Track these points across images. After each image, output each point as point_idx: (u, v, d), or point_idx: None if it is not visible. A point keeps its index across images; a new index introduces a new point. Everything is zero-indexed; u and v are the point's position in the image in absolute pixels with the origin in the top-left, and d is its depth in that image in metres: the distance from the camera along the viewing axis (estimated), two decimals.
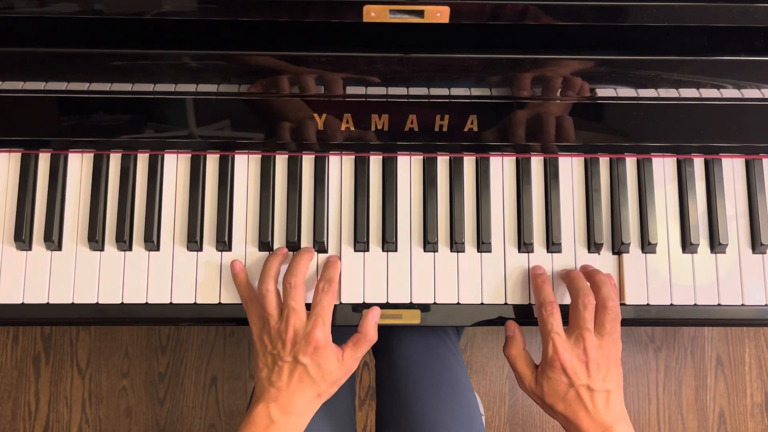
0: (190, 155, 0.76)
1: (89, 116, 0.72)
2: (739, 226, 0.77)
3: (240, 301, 0.74)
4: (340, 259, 0.75)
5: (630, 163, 0.77)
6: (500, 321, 0.75)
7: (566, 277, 0.73)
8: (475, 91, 0.70)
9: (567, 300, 0.73)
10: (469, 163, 0.77)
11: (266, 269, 0.71)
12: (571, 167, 0.77)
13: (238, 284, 0.73)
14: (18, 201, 0.75)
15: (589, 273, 0.72)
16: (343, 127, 0.72)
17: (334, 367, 0.69)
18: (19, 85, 0.69)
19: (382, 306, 0.74)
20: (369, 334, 0.71)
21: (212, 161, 0.76)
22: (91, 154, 0.76)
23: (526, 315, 0.75)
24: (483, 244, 0.75)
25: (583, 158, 0.77)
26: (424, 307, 0.74)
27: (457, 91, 0.70)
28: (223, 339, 1.43)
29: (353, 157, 0.77)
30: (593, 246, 0.75)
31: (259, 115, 0.72)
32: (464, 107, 0.71)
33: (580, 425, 0.66)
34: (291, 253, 0.75)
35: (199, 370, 1.43)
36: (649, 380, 1.46)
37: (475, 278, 0.75)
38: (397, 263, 0.75)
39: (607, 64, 0.69)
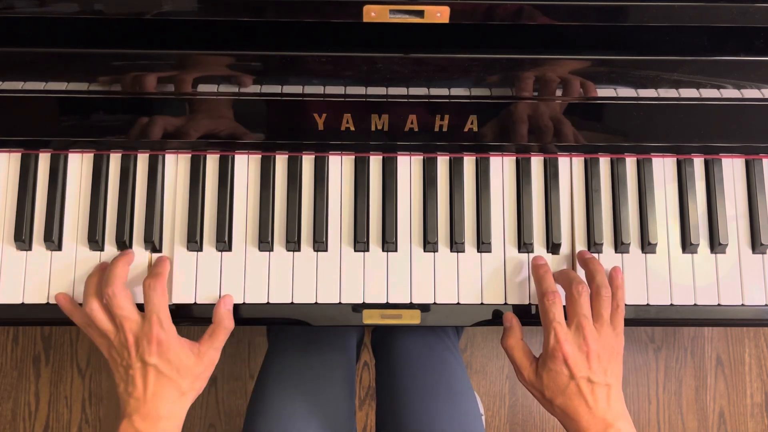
0: (190, 155, 0.76)
1: (89, 116, 0.72)
2: (739, 226, 0.77)
3: (240, 301, 0.74)
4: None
5: (630, 163, 0.77)
6: (500, 321, 0.75)
7: (559, 275, 0.72)
8: (475, 91, 0.70)
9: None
10: (469, 163, 0.77)
11: (85, 289, 0.70)
12: (571, 167, 0.77)
13: (68, 314, 0.71)
14: (18, 201, 0.75)
15: (585, 261, 0.72)
16: (343, 127, 0.72)
17: (189, 361, 0.67)
18: (19, 85, 0.69)
19: (383, 306, 0.74)
20: (223, 321, 0.70)
21: (212, 161, 0.76)
22: (91, 154, 0.76)
23: (525, 315, 0.75)
24: (483, 244, 0.75)
25: (583, 158, 0.77)
26: (424, 307, 0.74)
27: (457, 91, 0.70)
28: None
29: (353, 157, 0.77)
30: (593, 246, 0.75)
31: (259, 115, 0.72)
32: (464, 107, 0.71)
33: (579, 420, 0.65)
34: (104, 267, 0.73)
35: None
36: (649, 380, 1.46)
37: (475, 278, 0.75)
38: (397, 263, 0.75)
39: (607, 64, 0.69)
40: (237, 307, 0.74)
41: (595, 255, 0.76)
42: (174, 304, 0.74)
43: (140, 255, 0.75)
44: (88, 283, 0.70)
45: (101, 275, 0.71)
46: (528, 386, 0.70)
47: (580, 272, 0.74)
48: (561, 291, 0.72)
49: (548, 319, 0.68)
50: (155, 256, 0.75)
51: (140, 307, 0.69)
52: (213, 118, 0.72)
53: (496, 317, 0.75)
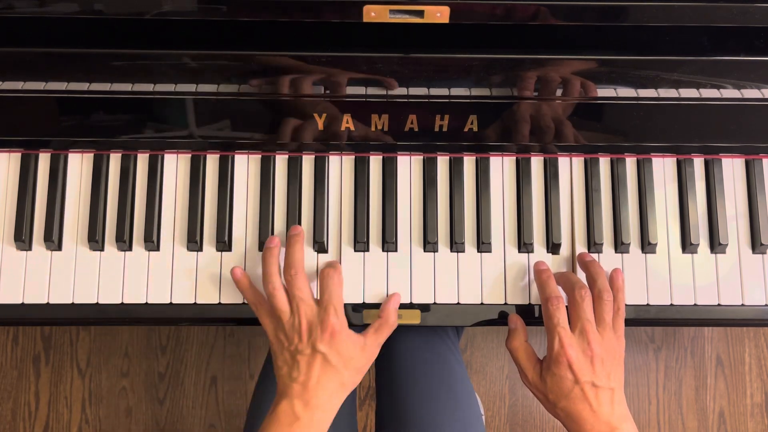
0: (190, 155, 0.76)
1: (89, 116, 0.72)
2: (739, 226, 0.77)
3: (240, 301, 0.74)
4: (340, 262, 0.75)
5: (630, 163, 0.77)
6: (500, 321, 0.75)
7: (560, 278, 0.72)
8: (475, 91, 0.70)
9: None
10: (469, 163, 0.77)
11: (267, 268, 0.70)
12: (571, 167, 0.77)
13: (242, 290, 0.72)
14: (18, 201, 0.75)
15: (586, 264, 0.72)
16: (343, 127, 0.72)
17: (355, 352, 0.68)
18: (19, 85, 0.69)
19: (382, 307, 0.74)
20: (390, 318, 0.71)
21: (212, 161, 0.76)
22: (91, 154, 0.76)
23: (526, 315, 0.75)
24: (483, 244, 0.75)
25: (583, 158, 0.77)
26: (424, 307, 0.74)
27: (457, 91, 0.70)
28: (223, 339, 1.43)
29: (353, 157, 0.77)
30: (593, 246, 0.75)
31: (259, 115, 0.72)
32: (464, 107, 0.71)
33: (583, 424, 0.65)
34: (281, 245, 0.74)
35: (199, 370, 1.43)
36: (649, 380, 1.46)
37: (475, 278, 0.75)
38: (397, 263, 0.75)
39: (607, 64, 0.69)
40: (237, 308, 0.74)
41: (595, 255, 0.76)
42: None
43: (141, 254, 0.75)
44: (270, 262, 0.70)
45: (278, 254, 0.71)
46: (531, 388, 0.70)
47: (581, 274, 0.74)
48: (562, 293, 0.72)
49: (552, 323, 0.68)
50: (226, 256, 0.75)
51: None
52: (212, 118, 0.72)
53: (496, 317, 0.75)
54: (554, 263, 0.75)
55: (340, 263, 0.75)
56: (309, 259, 0.75)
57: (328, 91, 0.70)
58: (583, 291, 0.68)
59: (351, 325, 0.74)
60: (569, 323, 0.69)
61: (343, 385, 0.68)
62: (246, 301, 0.72)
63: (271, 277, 0.69)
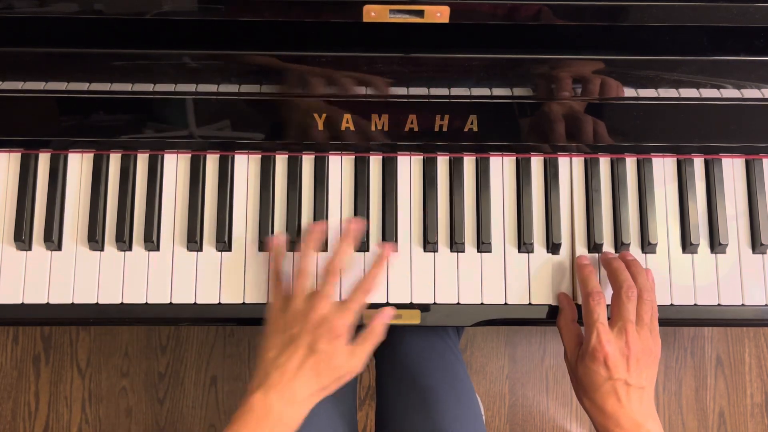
0: (190, 155, 0.76)
1: (89, 116, 0.72)
2: (739, 226, 0.77)
3: (240, 302, 0.73)
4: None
5: (630, 163, 0.77)
6: (500, 321, 0.75)
7: (609, 267, 0.72)
8: (475, 91, 0.70)
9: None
10: (469, 163, 0.77)
11: (308, 238, 0.70)
12: (571, 167, 0.77)
13: (276, 254, 0.72)
14: (18, 201, 0.75)
15: (628, 263, 0.72)
16: (343, 127, 0.72)
17: (342, 360, 0.67)
18: (19, 85, 0.69)
19: (382, 306, 0.74)
20: (378, 330, 0.70)
21: (212, 161, 0.76)
22: (91, 154, 0.76)
23: (526, 315, 0.75)
24: (483, 244, 0.75)
25: (583, 158, 0.77)
26: (424, 307, 0.74)
27: (457, 91, 0.70)
28: (223, 339, 1.43)
29: (353, 157, 0.77)
30: (593, 246, 0.75)
31: (259, 115, 0.72)
32: (464, 107, 0.71)
33: (609, 416, 0.65)
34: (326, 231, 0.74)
35: (199, 370, 1.43)
36: None
37: (475, 278, 0.75)
38: (398, 263, 0.75)
39: (608, 64, 0.69)
40: (237, 308, 0.74)
41: (595, 255, 0.75)
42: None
43: (141, 254, 0.75)
44: (314, 236, 0.71)
45: (322, 235, 0.72)
46: (569, 368, 0.71)
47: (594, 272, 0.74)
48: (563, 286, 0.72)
49: (592, 319, 0.68)
50: (226, 256, 0.75)
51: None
52: (212, 118, 0.72)
53: (496, 317, 0.75)
54: (555, 263, 0.75)
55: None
56: (310, 258, 0.75)
57: (327, 91, 0.70)
58: (631, 291, 0.68)
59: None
60: (611, 317, 0.69)
61: (323, 389, 0.67)
62: (270, 270, 0.72)
63: (309, 259, 0.69)
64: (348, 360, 0.67)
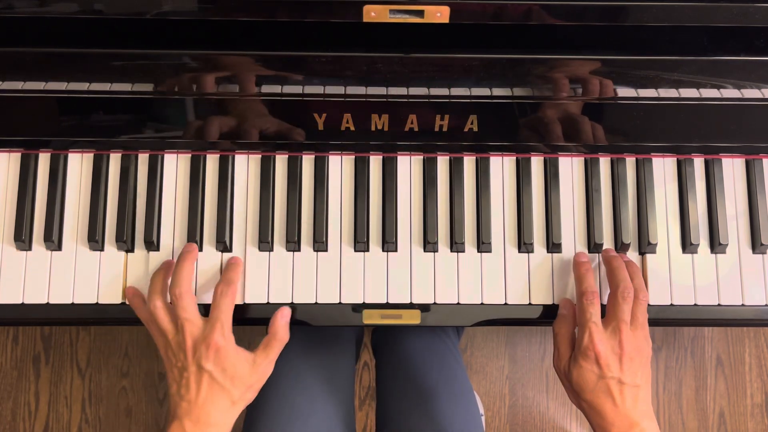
0: (190, 155, 0.76)
1: (89, 116, 0.72)
2: (739, 226, 0.77)
3: (240, 302, 0.74)
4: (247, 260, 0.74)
5: (630, 163, 0.77)
6: (500, 321, 0.75)
7: (608, 265, 0.72)
8: (475, 91, 0.70)
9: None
10: (469, 163, 0.77)
11: (151, 286, 0.70)
12: (571, 167, 0.77)
13: (135, 309, 0.72)
14: (18, 201, 0.75)
15: (625, 263, 0.72)
16: (343, 127, 0.72)
17: (243, 371, 0.67)
18: (19, 85, 0.69)
19: (382, 306, 0.74)
20: (278, 333, 0.70)
21: (212, 161, 0.76)
22: (91, 154, 0.76)
23: (526, 315, 0.75)
24: (483, 244, 0.75)
25: (583, 158, 0.77)
26: (424, 307, 0.74)
27: (457, 91, 0.70)
28: None
29: (353, 157, 0.77)
30: (593, 246, 0.75)
31: (259, 115, 0.72)
32: (464, 107, 0.71)
33: (605, 416, 0.65)
34: (171, 265, 0.73)
35: None
36: None
37: (475, 278, 0.75)
38: (397, 263, 0.75)
39: (607, 64, 0.69)
40: (237, 308, 0.74)
41: (595, 255, 0.75)
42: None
43: (141, 254, 0.75)
44: (155, 281, 0.70)
45: (167, 273, 0.71)
46: (560, 375, 0.71)
47: (593, 270, 0.73)
48: (563, 284, 0.72)
49: (585, 318, 0.68)
50: (226, 256, 0.75)
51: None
52: (212, 119, 0.72)
53: (496, 317, 0.75)
54: (554, 263, 0.75)
55: (341, 263, 0.75)
56: (309, 258, 0.75)
57: (328, 92, 0.70)
58: (627, 292, 0.68)
59: (351, 325, 0.74)
60: (605, 316, 0.69)
61: (234, 403, 0.67)
62: (141, 319, 0.71)
63: (154, 294, 0.69)
64: (251, 369, 0.68)
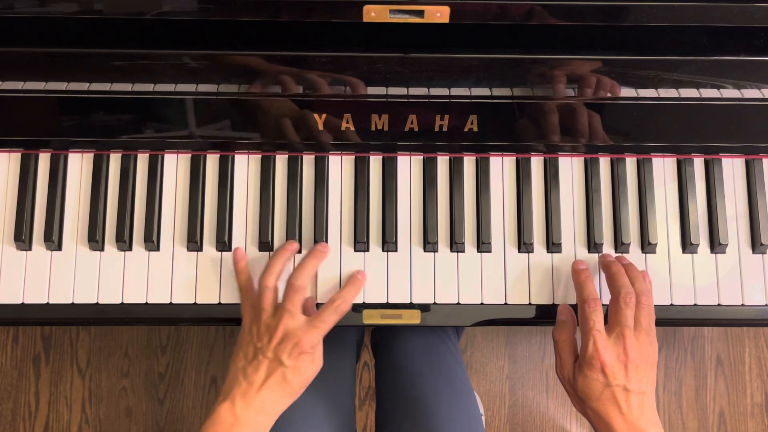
0: (190, 155, 0.76)
1: (89, 116, 0.72)
2: (739, 226, 0.77)
3: (239, 301, 0.74)
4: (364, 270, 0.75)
5: (630, 163, 0.77)
6: (500, 321, 0.75)
7: (607, 271, 0.71)
8: (475, 91, 0.70)
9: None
10: (469, 163, 0.77)
11: (271, 264, 0.71)
12: (571, 167, 0.77)
13: (238, 272, 0.73)
14: (18, 201, 0.75)
15: (625, 267, 0.72)
16: (343, 127, 0.72)
17: (310, 371, 0.68)
18: (19, 85, 0.69)
19: (383, 306, 0.74)
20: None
21: (212, 161, 0.76)
22: (91, 154, 0.76)
23: (527, 315, 0.75)
24: (483, 244, 0.75)
25: (583, 158, 0.77)
26: (424, 307, 0.74)
27: (457, 91, 0.70)
28: (223, 339, 1.43)
29: (353, 157, 0.77)
30: (593, 246, 0.75)
31: (259, 115, 0.72)
32: (464, 107, 0.71)
33: (611, 424, 0.65)
34: (297, 252, 0.74)
35: (199, 370, 1.43)
36: None
37: (475, 278, 0.75)
38: (397, 263, 0.75)
39: (608, 64, 0.69)
40: (237, 308, 0.74)
41: (595, 255, 0.75)
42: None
43: (141, 254, 0.75)
44: (275, 262, 0.71)
45: (288, 257, 0.72)
46: (564, 382, 0.70)
47: (595, 272, 0.73)
48: (564, 287, 0.72)
49: (588, 326, 0.67)
50: (226, 255, 0.75)
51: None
52: (212, 118, 0.72)
53: (496, 317, 0.75)
54: (554, 263, 0.75)
55: (341, 263, 0.75)
56: None
57: (328, 91, 0.70)
58: (629, 297, 0.67)
59: (351, 325, 0.74)
60: (608, 323, 0.68)
61: (290, 396, 0.68)
62: (237, 283, 0.72)
63: (270, 274, 0.70)
64: (311, 366, 0.68)
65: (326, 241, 0.75)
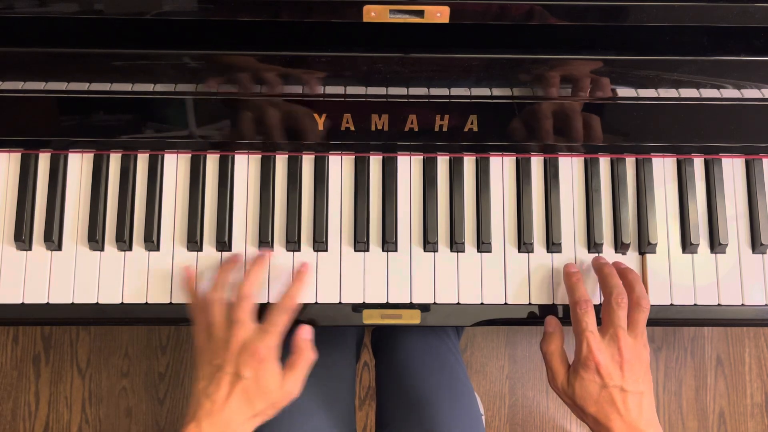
0: (190, 155, 0.76)
1: (89, 116, 0.72)
2: (739, 226, 0.77)
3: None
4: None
5: (630, 163, 0.77)
6: (500, 321, 0.75)
7: (600, 273, 0.72)
8: (475, 91, 0.70)
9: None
10: (469, 163, 0.77)
11: (218, 278, 0.70)
12: (571, 167, 0.77)
13: (189, 291, 0.72)
14: (18, 201, 0.75)
15: (621, 271, 0.72)
16: (343, 127, 0.72)
17: (273, 386, 0.65)
18: (19, 85, 0.69)
19: (383, 306, 0.74)
20: (305, 352, 0.68)
21: (212, 161, 0.76)
22: (91, 154, 0.76)
23: (526, 315, 0.75)
24: (483, 244, 0.75)
25: (583, 158, 0.77)
26: (424, 307, 0.74)
27: (457, 91, 0.70)
28: None
29: (353, 157, 0.77)
30: (593, 246, 0.75)
31: (259, 115, 0.72)
32: (464, 107, 0.71)
33: (611, 428, 0.64)
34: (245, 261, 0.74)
35: None
36: None
37: (475, 278, 0.75)
38: (397, 263, 0.75)
39: (608, 64, 0.69)
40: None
41: (595, 255, 0.75)
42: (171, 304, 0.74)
43: (141, 254, 0.75)
44: (224, 273, 0.71)
45: (236, 269, 0.72)
46: (560, 393, 0.69)
47: (591, 274, 0.74)
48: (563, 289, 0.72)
49: (580, 328, 0.67)
50: (226, 255, 0.75)
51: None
52: (212, 118, 0.72)
53: (496, 317, 0.75)
54: (554, 263, 0.75)
55: (341, 263, 0.75)
56: (309, 258, 0.75)
57: (328, 91, 0.70)
58: (620, 298, 0.67)
59: (351, 325, 0.74)
60: (602, 324, 0.68)
61: (255, 416, 0.65)
62: (189, 304, 0.71)
63: (217, 287, 0.69)
64: (278, 386, 0.66)
65: (326, 241, 0.75)
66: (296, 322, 0.74)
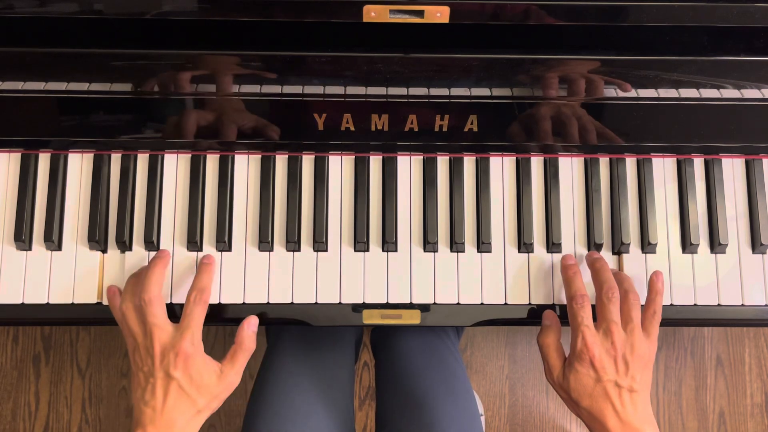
0: (190, 155, 0.76)
1: (89, 116, 0.72)
2: (739, 226, 0.77)
3: (240, 301, 0.74)
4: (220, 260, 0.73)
5: (630, 163, 0.77)
6: (500, 321, 0.75)
7: (591, 268, 0.72)
8: (475, 91, 0.70)
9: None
10: (469, 163, 0.77)
11: (124, 291, 0.70)
12: (571, 167, 0.77)
13: (111, 308, 0.72)
14: (18, 201, 0.75)
15: (615, 273, 0.72)
16: (343, 127, 0.72)
17: (210, 380, 0.66)
18: (19, 85, 0.69)
19: (382, 306, 0.74)
20: (244, 343, 0.69)
21: (212, 161, 0.76)
22: (91, 154, 0.76)
23: (526, 315, 0.75)
24: (483, 244, 0.75)
25: (583, 158, 0.77)
26: (424, 307, 0.74)
27: (457, 91, 0.70)
28: (223, 339, 1.43)
29: (353, 157, 0.77)
30: (593, 246, 0.75)
31: (259, 115, 0.72)
32: (464, 107, 0.71)
33: (605, 423, 0.65)
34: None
35: None
36: None
37: (475, 278, 0.75)
38: (397, 263, 0.75)
39: (607, 64, 0.69)
40: (237, 308, 0.74)
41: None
42: (171, 304, 0.74)
43: (140, 255, 0.75)
44: (129, 283, 0.71)
45: (137, 279, 0.71)
46: (555, 386, 0.70)
47: (581, 273, 0.74)
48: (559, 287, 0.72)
49: (576, 322, 0.67)
50: (226, 256, 0.74)
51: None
52: (212, 119, 0.72)
53: (496, 317, 0.75)
54: (554, 263, 0.75)
55: (341, 263, 0.75)
56: (309, 258, 0.75)
57: (327, 92, 0.70)
58: (611, 292, 0.68)
59: (351, 325, 0.74)
60: (597, 320, 0.68)
61: (199, 412, 0.66)
62: (116, 320, 0.71)
63: (125, 298, 0.69)
64: (218, 380, 0.67)
65: (326, 241, 0.75)
66: (296, 323, 0.74)
